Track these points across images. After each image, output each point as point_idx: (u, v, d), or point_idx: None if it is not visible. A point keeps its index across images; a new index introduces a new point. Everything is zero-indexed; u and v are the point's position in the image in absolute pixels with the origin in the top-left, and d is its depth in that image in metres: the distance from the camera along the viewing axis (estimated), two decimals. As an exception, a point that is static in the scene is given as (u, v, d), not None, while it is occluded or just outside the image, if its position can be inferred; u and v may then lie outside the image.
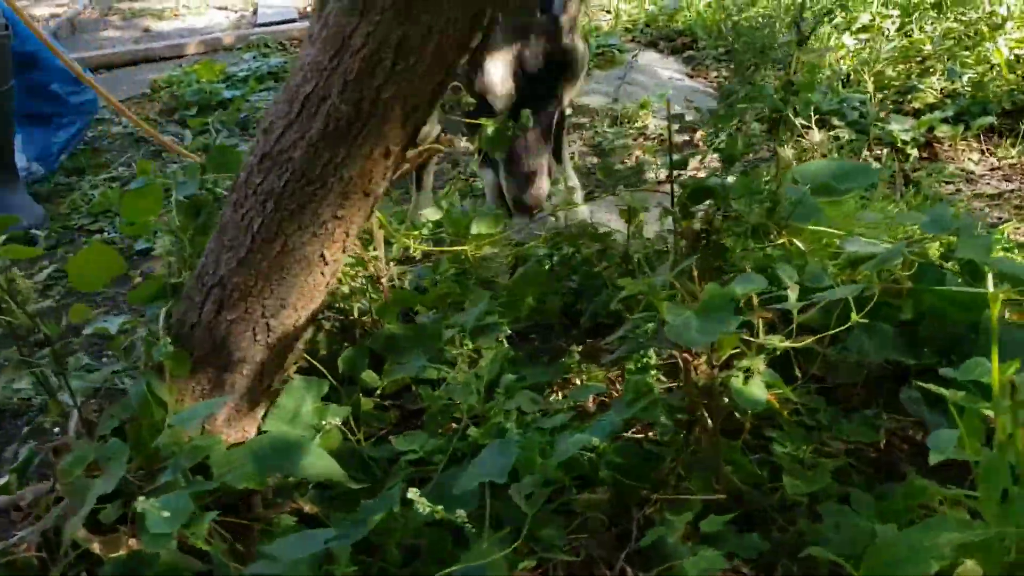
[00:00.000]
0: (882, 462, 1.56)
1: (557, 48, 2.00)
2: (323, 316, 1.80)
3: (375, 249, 1.61)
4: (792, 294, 1.31)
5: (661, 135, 3.37)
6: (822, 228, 1.57)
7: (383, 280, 1.65)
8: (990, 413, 1.10)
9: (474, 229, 1.73)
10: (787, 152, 2.18)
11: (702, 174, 2.49)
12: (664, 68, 4.33)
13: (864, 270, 1.43)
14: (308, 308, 1.31)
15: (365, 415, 1.70)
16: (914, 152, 3.01)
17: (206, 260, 1.30)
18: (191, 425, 1.27)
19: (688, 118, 3.20)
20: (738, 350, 1.30)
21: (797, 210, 1.50)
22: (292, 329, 1.32)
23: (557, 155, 2.21)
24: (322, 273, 1.26)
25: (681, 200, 1.54)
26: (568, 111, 2.25)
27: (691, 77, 4.22)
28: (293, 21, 6.33)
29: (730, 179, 1.67)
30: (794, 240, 1.60)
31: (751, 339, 1.34)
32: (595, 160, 3.19)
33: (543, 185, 2.06)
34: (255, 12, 6.75)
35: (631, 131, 3.46)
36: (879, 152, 3.02)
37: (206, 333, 1.33)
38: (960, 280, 1.62)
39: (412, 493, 1.10)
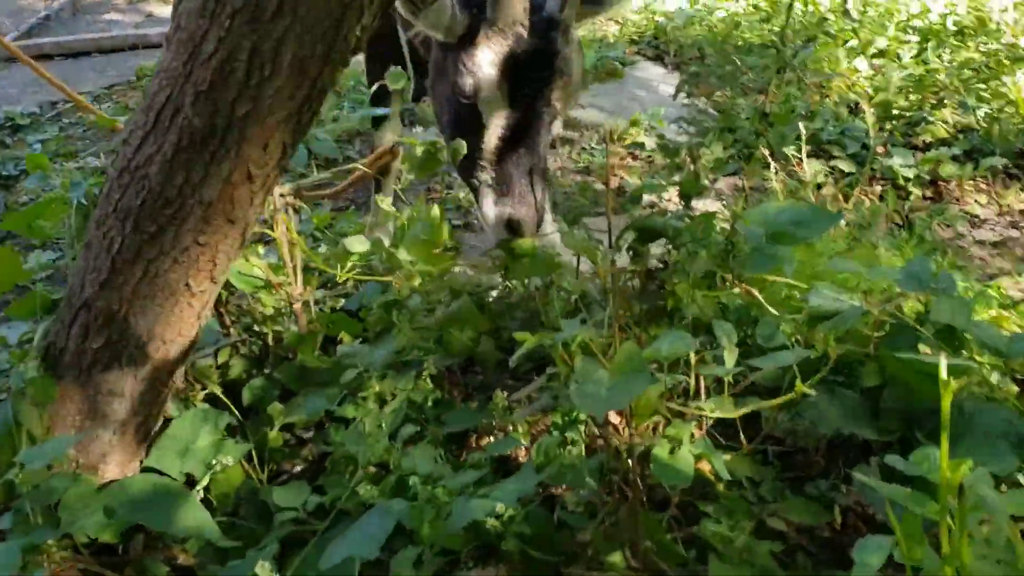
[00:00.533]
0: (836, 543, 1.42)
1: (550, 49, 1.87)
2: (240, 339, 1.68)
3: (289, 273, 1.47)
4: (729, 357, 1.17)
5: (650, 156, 3.23)
6: (781, 279, 1.43)
7: (297, 306, 1.51)
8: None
9: (403, 255, 1.60)
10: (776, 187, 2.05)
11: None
12: (667, 84, 4.19)
13: (822, 330, 1.29)
14: (178, 341, 1.18)
15: (274, 452, 1.57)
16: (916, 190, 2.85)
17: (74, 279, 1.18)
18: (43, 462, 1.14)
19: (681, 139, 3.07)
20: (657, 418, 1.16)
21: (753, 258, 1.36)
22: (163, 362, 1.19)
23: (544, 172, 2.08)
24: (189, 304, 1.13)
25: (620, 237, 1.41)
26: (559, 125, 2.12)
27: (692, 96, 4.07)
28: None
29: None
30: (752, 290, 1.46)
31: (681, 407, 1.20)
32: (578, 179, 3.06)
33: (542, 200, 1.93)
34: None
35: (620, 149, 3.33)
36: (879, 188, 2.87)
37: (74, 359, 1.20)
38: (939, 345, 1.47)
39: (261, 569, 0.96)
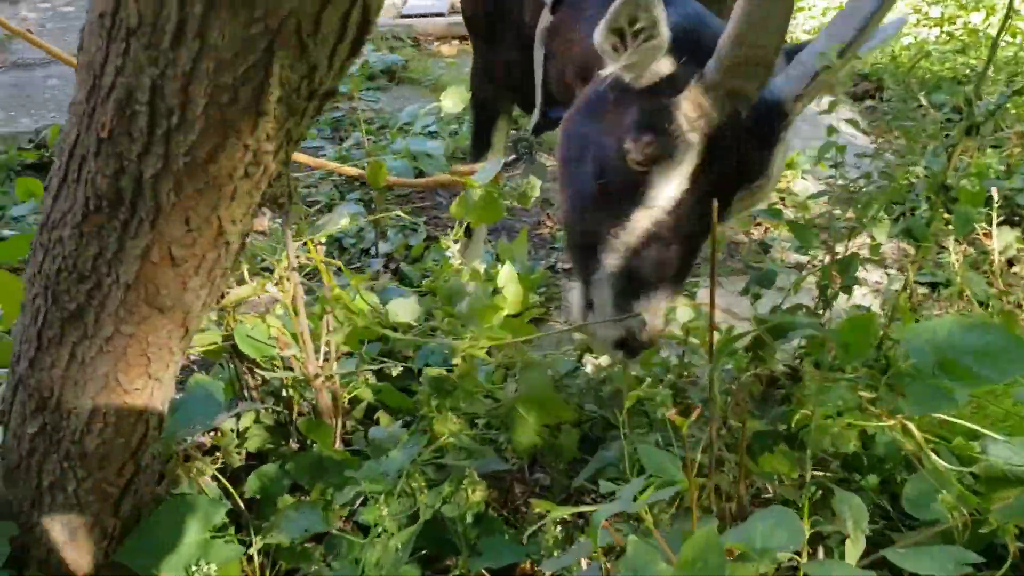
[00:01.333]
0: None
1: (766, 141, 1.38)
2: (263, 405, 1.46)
3: (304, 346, 1.22)
4: (852, 549, 0.85)
5: (805, 203, 2.85)
6: (950, 418, 1.09)
7: (317, 383, 1.27)
8: None
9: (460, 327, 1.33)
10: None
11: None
12: (835, 118, 3.77)
13: (1002, 510, 0.94)
14: (121, 440, 0.96)
15: (282, 551, 1.34)
16: None
17: (14, 343, 0.98)
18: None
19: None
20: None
21: (917, 392, 1.02)
22: (106, 463, 0.97)
23: None
24: (126, 403, 0.91)
25: (734, 339, 1.10)
26: None
27: (867, 134, 3.63)
28: (440, 15, 6.10)
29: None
30: (908, 424, 1.12)
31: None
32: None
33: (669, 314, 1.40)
34: (405, 1, 6.57)
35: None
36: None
37: (14, 441, 1.01)
38: None
39: None
